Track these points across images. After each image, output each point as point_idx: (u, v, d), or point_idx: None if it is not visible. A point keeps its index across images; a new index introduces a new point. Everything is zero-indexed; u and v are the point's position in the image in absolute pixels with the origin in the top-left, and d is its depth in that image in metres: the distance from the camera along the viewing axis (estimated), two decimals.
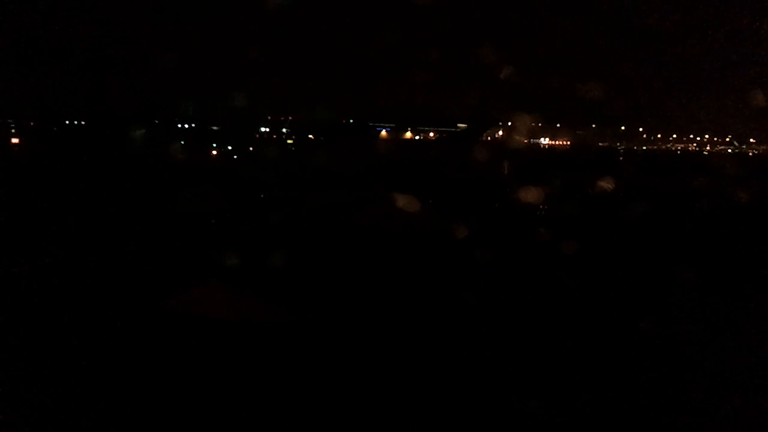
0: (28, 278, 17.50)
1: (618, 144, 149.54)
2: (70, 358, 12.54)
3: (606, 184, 46.78)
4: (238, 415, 10.86)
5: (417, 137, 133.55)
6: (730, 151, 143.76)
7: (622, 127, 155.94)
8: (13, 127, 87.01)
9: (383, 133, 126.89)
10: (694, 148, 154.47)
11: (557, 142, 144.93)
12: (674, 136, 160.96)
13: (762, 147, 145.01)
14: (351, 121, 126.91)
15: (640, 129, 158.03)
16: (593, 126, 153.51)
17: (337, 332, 14.24)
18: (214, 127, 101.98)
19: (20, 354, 12.62)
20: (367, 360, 13.05)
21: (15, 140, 72.87)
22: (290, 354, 12.97)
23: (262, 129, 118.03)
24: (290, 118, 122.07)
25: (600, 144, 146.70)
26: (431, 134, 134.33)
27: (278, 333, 13.63)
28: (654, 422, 11.59)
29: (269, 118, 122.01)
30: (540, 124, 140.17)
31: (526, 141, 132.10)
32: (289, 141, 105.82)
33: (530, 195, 36.72)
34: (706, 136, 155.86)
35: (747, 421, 11.64)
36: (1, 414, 10.45)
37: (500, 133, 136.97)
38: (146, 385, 11.66)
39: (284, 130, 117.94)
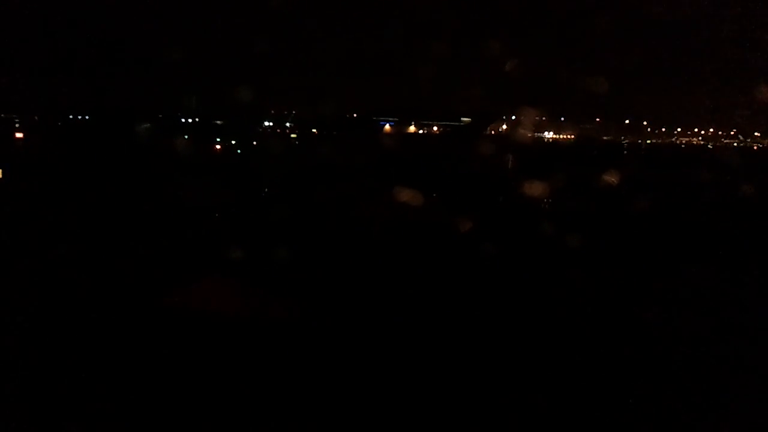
0: (31, 273, 17.50)
1: (622, 138, 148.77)
2: (72, 354, 12.53)
3: (610, 178, 46.60)
4: (241, 411, 10.83)
5: (421, 131, 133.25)
6: (735, 144, 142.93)
7: (627, 121, 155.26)
8: (17, 122, 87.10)
9: (387, 127, 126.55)
10: (698, 141, 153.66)
11: (561, 136, 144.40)
12: (679, 129, 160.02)
13: (767, 141, 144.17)
14: (355, 115, 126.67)
15: (645, 123, 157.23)
16: (597, 120, 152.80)
17: (341, 327, 14.21)
18: (218, 122, 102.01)
19: (22, 350, 12.62)
20: (371, 355, 13.02)
21: (19, 135, 72.94)
22: (294, 349, 12.94)
23: (266, 123, 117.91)
24: (294, 112, 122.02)
25: (604, 138, 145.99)
26: (435, 128, 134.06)
27: (282, 328, 13.60)
28: (655, 421, 11.54)
29: (273, 112, 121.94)
30: (544, 118, 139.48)
31: (530, 135, 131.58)
32: (293, 135, 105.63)
33: (534, 189, 36.60)
34: (711, 130, 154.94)
35: (748, 420, 11.57)
36: (1, 413, 10.44)
37: (504, 127, 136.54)
38: (149, 381, 11.64)
39: (288, 124, 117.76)
